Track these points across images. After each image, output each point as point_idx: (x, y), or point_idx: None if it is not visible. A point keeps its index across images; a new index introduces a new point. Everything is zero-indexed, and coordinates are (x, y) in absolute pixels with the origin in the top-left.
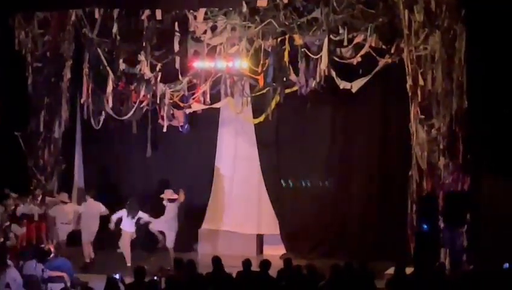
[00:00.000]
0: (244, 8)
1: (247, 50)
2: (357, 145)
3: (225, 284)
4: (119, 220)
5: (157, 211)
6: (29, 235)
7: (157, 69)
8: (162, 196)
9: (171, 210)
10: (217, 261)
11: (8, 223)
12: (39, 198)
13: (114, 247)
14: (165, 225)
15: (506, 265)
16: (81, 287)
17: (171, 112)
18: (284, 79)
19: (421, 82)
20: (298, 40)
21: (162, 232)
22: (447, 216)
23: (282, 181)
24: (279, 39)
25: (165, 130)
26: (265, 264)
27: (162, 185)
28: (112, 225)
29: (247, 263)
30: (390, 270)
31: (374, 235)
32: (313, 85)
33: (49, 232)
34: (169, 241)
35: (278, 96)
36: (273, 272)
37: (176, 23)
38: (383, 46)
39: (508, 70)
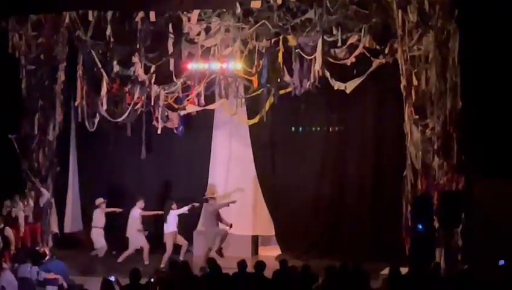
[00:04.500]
0: (238, 10)
1: (241, 51)
2: (351, 145)
3: (220, 285)
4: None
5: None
6: (24, 238)
7: (152, 70)
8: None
9: (206, 210)
10: (212, 262)
11: (1, 226)
12: (34, 201)
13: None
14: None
15: (502, 262)
16: None
17: (166, 113)
18: (278, 80)
19: (415, 82)
20: (292, 41)
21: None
22: (441, 216)
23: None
24: (273, 40)
25: (159, 132)
26: (260, 265)
27: (157, 187)
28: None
29: (242, 264)
30: (385, 271)
31: (368, 235)
32: (307, 86)
33: (44, 234)
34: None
35: (272, 97)
36: (269, 273)
37: (170, 25)
38: (377, 47)
39: (502, 70)
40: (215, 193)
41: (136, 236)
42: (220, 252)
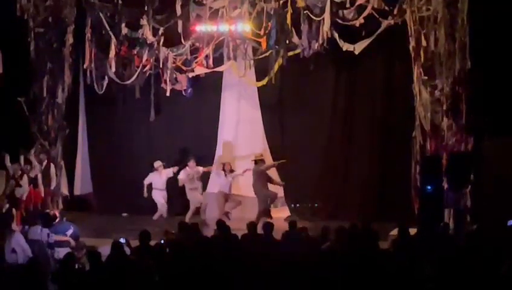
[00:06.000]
0: None
1: (250, 13)
2: (360, 106)
3: (230, 247)
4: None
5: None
6: (34, 201)
7: (160, 33)
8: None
9: (255, 172)
10: (221, 224)
11: (11, 189)
12: (44, 163)
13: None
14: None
15: (511, 222)
16: (87, 251)
17: (174, 76)
18: (287, 42)
19: (424, 43)
20: (300, 2)
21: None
22: (450, 177)
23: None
24: (281, 1)
25: (168, 94)
26: (268, 226)
27: (165, 148)
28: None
29: (251, 225)
30: (394, 232)
31: (377, 196)
32: (316, 47)
33: (54, 197)
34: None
35: (280, 59)
36: (278, 234)
37: None
38: (386, 8)
39: (511, 29)
40: (262, 155)
41: (190, 195)
42: (227, 215)
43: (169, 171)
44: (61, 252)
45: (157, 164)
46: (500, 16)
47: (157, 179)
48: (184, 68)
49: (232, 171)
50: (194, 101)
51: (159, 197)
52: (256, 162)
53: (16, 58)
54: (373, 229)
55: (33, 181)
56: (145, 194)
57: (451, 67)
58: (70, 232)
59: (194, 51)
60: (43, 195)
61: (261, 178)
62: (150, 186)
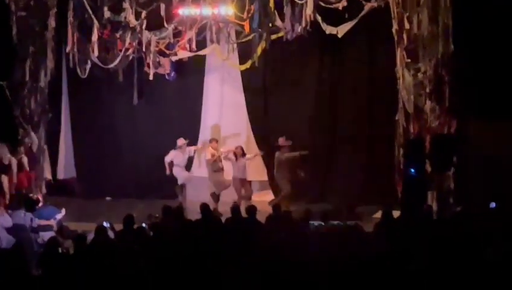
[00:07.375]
0: None
1: None
2: (343, 89)
3: (214, 230)
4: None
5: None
6: (18, 185)
7: (142, 16)
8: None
9: (278, 158)
10: (205, 208)
11: None
12: (28, 146)
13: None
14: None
15: (493, 204)
16: (71, 236)
17: (157, 59)
18: (270, 25)
19: (407, 26)
20: None
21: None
22: (433, 159)
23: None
24: None
25: (151, 78)
26: (251, 209)
27: (150, 133)
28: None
29: (235, 209)
30: (378, 214)
31: (361, 179)
32: (299, 30)
33: (38, 181)
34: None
35: (264, 42)
36: (262, 218)
37: None
38: None
39: (494, 13)
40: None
41: (214, 178)
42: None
43: (191, 150)
44: (45, 237)
45: (181, 141)
46: None
47: (180, 157)
48: (167, 52)
49: (244, 155)
50: (177, 84)
51: (180, 172)
52: (279, 148)
53: None
54: (356, 212)
55: (15, 166)
56: (168, 172)
57: (434, 50)
58: (59, 216)
59: (177, 34)
60: (27, 179)
61: (284, 165)
62: (171, 163)
